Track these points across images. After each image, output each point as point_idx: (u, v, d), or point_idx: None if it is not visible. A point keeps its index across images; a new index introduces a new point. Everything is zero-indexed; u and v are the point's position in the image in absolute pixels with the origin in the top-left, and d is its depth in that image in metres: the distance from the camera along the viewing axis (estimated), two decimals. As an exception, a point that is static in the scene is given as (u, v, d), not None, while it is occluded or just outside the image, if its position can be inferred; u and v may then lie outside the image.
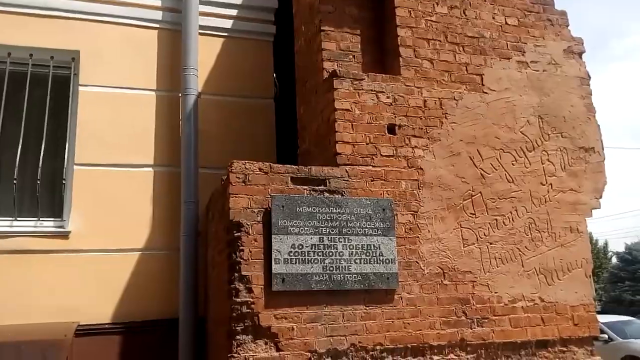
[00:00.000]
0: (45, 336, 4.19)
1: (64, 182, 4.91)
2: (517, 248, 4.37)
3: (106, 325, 4.71)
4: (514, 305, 4.23)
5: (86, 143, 5.02)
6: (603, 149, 4.90)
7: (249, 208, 3.76)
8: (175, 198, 5.09)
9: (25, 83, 5.05)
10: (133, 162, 5.12)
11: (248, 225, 3.72)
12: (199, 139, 5.18)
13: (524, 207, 4.47)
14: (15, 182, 4.75)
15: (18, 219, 4.79)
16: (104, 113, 5.13)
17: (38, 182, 4.82)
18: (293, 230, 3.78)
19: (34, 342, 4.06)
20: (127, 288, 4.85)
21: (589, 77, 5.04)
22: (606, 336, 11.14)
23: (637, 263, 30.83)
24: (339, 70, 4.29)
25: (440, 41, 4.59)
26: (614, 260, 36.02)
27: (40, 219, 4.84)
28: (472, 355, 4.04)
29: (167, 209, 5.11)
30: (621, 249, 33.09)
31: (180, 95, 5.26)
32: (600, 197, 4.74)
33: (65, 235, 4.80)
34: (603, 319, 10.77)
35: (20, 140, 4.90)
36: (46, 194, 4.96)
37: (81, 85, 5.14)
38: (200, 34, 5.41)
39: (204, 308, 4.87)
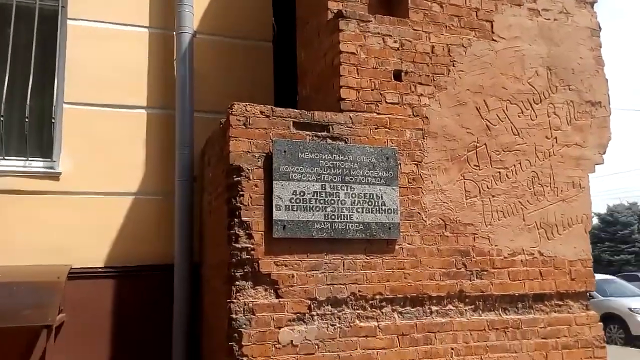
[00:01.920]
0: (38, 278, 4.10)
1: (53, 121, 4.71)
2: (519, 202, 4.31)
3: (99, 269, 4.63)
4: (514, 258, 4.22)
5: (76, 81, 4.79)
6: (609, 103, 4.80)
7: (249, 152, 3.63)
8: (169, 142, 4.93)
9: (11, 17, 4.76)
10: (125, 103, 4.92)
11: (248, 170, 3.60)
12: (194, 81, 4.97)
13: (527, 160, 4.39)
14: (2, 119, 4.54)
15: (6, 158, 4.61)
16: (95, 50, 4.89)
17: (26, 120, 4.61)
18: (295, 176, 3.67)
19: (26, 284, 3.98)
20: (121, 232, 4.75)
21: (600, 28, 4.89)
22: (587, 294, 11.39)
23: (617, 225, 31.50)
24: (345, 11, 4.07)
25: (451, -17, 4.37)
26: (595, 221, 36.74)
27: (30, 158, 4.67)
28: (470, 307, 4.04)
29: (161, 152, 4.95)
30: (603, 210, 33.71)
31: (174, 33, 5.01)
32: (604, 152, 4.68)
33: (55, 177, 4.65)
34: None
35: (7, 77, 4.66)
36: (35, 134, 4.77)
37: (70, 19, 4.87)
38: (196, -32, 5.11)
39: (199, 254, 4.80)
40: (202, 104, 5.02)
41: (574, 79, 4.68)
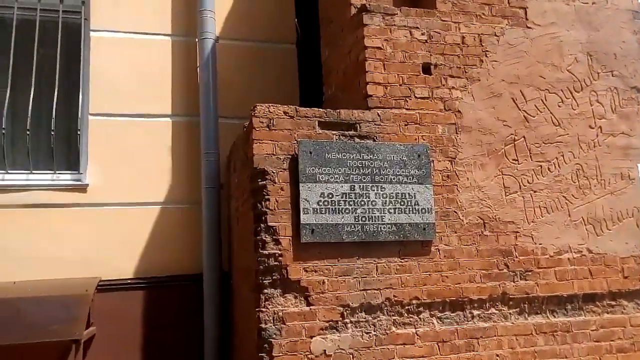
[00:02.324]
0: (67, 291, 4.04)
1: (79, 133, 4.68)
2: (564, 196, 4.04)
3: (128, 281, 4.56)
4: (560, 257, 3.94)
5: (100, 92, 4.76)
6: (657, 89, 4.48)
7: (274, 154, 3.49)
8: (194, 149, 4.84)
9: (35, 31, 4.77)
10: (150, 112, 4.86)
11: (273, 172, 3.46)
12: (217, 87, 4.88)
13: (571, 152, 4.12)
14: (28, 133, 4.53)
15: (34, 172, 4.59)
16: (118, 60, 4.85)
17: (52, 133, 4.59)
18: (322, 178, 3.50)
19: (54, 298, 3.92)
20: (149, 243, 4.67)
21: (643, 9, 4.59)
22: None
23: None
24: (369, 5, 3.91)
25: (480, -30, 4.16)
26: None
27: (57, 172, 4.64)
28: (514, 310, 3.78)
29: (186, 160, 4.87)
30: None
31: (197, 40, 4.94)
32: (654, 141, 4.36)
33: (83, 189, 4.61)
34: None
35: (32, 91, 4.65)
36: (61, 146, 4.75)
37: (92, 30, 4.85)
38: (216, -27, 5.04)
39: (228, 263, 4.69)
40: (227, 110, 4.92)
41: (616, 64, 4.38)
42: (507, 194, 3.91)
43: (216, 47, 4.93)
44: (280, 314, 3.31)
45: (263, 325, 3.28)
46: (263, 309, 3.31)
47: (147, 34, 4.96)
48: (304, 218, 3.42)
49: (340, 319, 3.41)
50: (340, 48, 4.32)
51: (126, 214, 4.65)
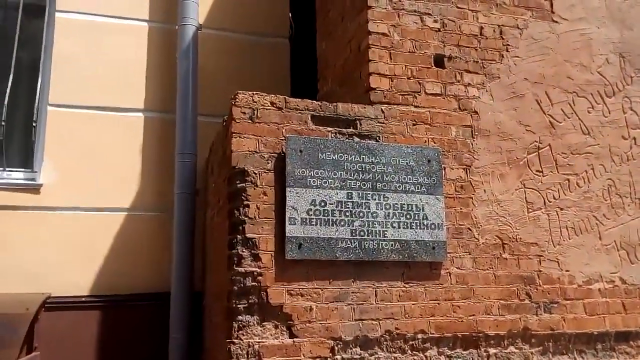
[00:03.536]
0: (3, 309, 3.38)
1: (34, 125, 4.06)
2: (594, 216, 3.47)
3: (83, 299, 3.91)
4: (589, 287, 3.36)
5: (63, 80, 4.17)
6: (695, 98, 3.95)
7: (257, 152, 2.89)
8: (169, 150, 4.24)
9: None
10: (120, 106, 4.27)
11: (255, 174, 2.86)
12: (198, 81, 4.29)
13: (602, 165, 3.57)
14: (-26, 123, 3.92)
15: (-21, 168, 3.97)
16: (86, 45, 4.28)
17: (3, 124, 3.97)
18: (313, 182, 2.91)
19: (-13, 317, 3.26)
20: (110, 255, 4.03)
21: (679, 10, 4.08)
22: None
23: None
24: (375, -15, 3.36)
25: (502, -46, 3.64)
26: None
27: (7, 169, 4.01)
28: (537, 349, 3.18)
29: (159, 162, 4.27)
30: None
31: (177, 26, 4.36)
32: (693, 156, 3.82)
33: (36, 189, 3.98)
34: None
35: (-16, 75, 4.06)
36: (13, 140, 4.13)
37: (58, 11, 4.27)
38: (202, -46, 4.49)
39: (201, 281, 4.05)
40: (208, 107, 4.33)
41: (652, 68, 3.87)
42: (530, 210, 3.34)
43: (198, 35, 4.35)
44: (257, 347, 2.68)
45: (235, 361, 2.65)
46: (235, 340, 2.67)
47: (120, 18, 4.41)
48: (290, 230, 2.81)
49: (330, 355, 2.78)
50: (339, 38, 3.77)
51: (85, 220, 4.01)
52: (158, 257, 4.08)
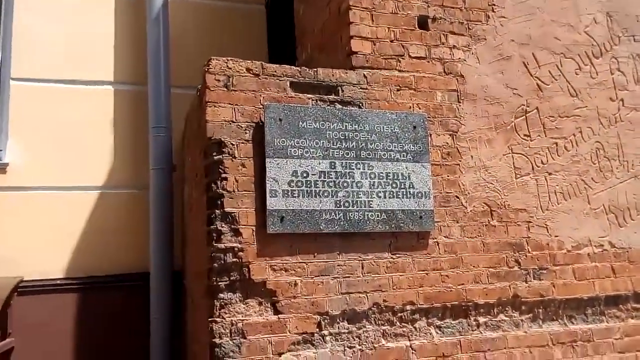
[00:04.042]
0: (-28, 296, 3.21)
1: (-3, 101, 3.84)
2: (582, 180, 3.40)
3: (58, 281, 3.75)
4: (579, 251, 3.30)
5: (26, 53, 3.93)
6: (683, 57, 3.87)
7: (233, 122, 2.74)
8: (142, 124, 4.04)
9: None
10: (87, 78, 4.05)
11: (233, 145, 2.71)
12: (170, 52, 4.08)
13: (589, 128, 3.48)
14: None
15: (-62, 147, 3.74)
16: (49, 15, 4.03)
17: (-38, 100, 3.74)
18: (294, 152, 2.77)
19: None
20: (85, 236, 3.86)
21: (666, -33, 3.97)
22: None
23: None
24: (353, -58, 3.18)
25: None
26: None
27: (-31, 148, 3.79)
28: (527, 316, 3.12)
29: (132, 137, 4.08)
30: None
31: (146, -8, 4.12)
32: (681, 117, 3.75)
33: (2, 169, 3.77)
34: None
35: (-60, 49, 3.79)
36: (-25, 117, 3.89)
37: (17, -21, 3.99)
38: None
39: (182, 260, 3.91)
40: (181, 79, 4.13)
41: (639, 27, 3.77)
42: (518, 176, 3.25)
43: (168, 2, 4.12)
44: (240, 325, 2.57)
45: (217, 340, 2.53)
46: (217, 319, 2.56)
47: (85, -15, 4.14)
48: (271, 202, 2.67)
49: (317, 330, 2.68)
50: (317, 1, 3.58)
51: (56, 200, 3.83)
52: (135, 236, 3.92)
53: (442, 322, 2.94)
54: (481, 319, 3.02)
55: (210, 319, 2.57)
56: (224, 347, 2.54)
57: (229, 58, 2.80)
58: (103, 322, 3.76)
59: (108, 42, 4.14)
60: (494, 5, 3.40)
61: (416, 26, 3.22)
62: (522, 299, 3.11)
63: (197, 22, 4.39)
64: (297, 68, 2.93)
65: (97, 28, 4.13)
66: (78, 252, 3.83)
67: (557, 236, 3.26)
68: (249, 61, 2.83)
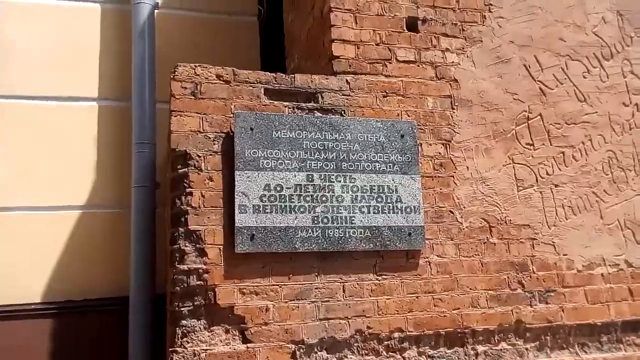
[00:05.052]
0: (-64, 322, 3.03)
1: (-25, 118, 3.71)
2: (593, 192, 3.09)
3: (33, 306, 3.54)
4: (591, 272, 2.97)
5: (5, 67, 3.80)
6: (703, 59, 3.55)
7: (201, 132, 2.53)
8: (127, 141, 3.87)
9: None
10: (70, 94, 3.89)
11: (199, 157, 2.50)
12: (155, 66, 3.93)
13: (601, 135, 3.18)
14: None
15: None
16: (31, 28, 3.91)
17: (-61, 118, 3.62)
18: (267, 164, 2.54)
19: None
20: (64, 258, 3.66)
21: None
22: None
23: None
24: (336, -58, 2.98)
25: None
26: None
27: (-54, 167, 3.66)
28: (532, 344, 2.80)
29: (116, 155, 3.89)
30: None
31: (131, 4, 3.99)
32: (703, 123, 3.42)
33: (-22, 189, 3.62)
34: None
35: None
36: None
37: (0, -7, 3.91)
38: None
39: (165, 283, 3.68)
40: (168, 94, 3.94)
41: (653, 26, 3.48)
42: (521, 188, 2.96)
43: (155, 15, 3.99)
44: (204, 355, 2.32)
45: (179, 373, 2.29)
46: (179, 349, 2.31)
47: (70, -1, 4.03)
48: (240, 219, 2.44)
49: (292, 361, 2.42)
50: (303, 7, 3.40)
51: (34, 221, 3.64)
52: (117, 258, 3.71)
53: (435, 352, 2.64)
54: (480, 348, 2.71)
55: (171, 349, 2.33)
56: (185, 380, 2.29)
57: (197, 64, 2.62)
58: (81, 349, 3.52)
59: (93, 57, 4.01)
60: (491, 5, 3.16)
61: (404, 28, 2.99)
62: (527, 325, 2.79)
63: (185, 36, 4.24)
64: (272, 74, 2.72)
65: (82, 44, 3.99)
66: (56, 275, 3.62)
67: (565, 255, 2.94)
68: (219, 67, 2.64)
